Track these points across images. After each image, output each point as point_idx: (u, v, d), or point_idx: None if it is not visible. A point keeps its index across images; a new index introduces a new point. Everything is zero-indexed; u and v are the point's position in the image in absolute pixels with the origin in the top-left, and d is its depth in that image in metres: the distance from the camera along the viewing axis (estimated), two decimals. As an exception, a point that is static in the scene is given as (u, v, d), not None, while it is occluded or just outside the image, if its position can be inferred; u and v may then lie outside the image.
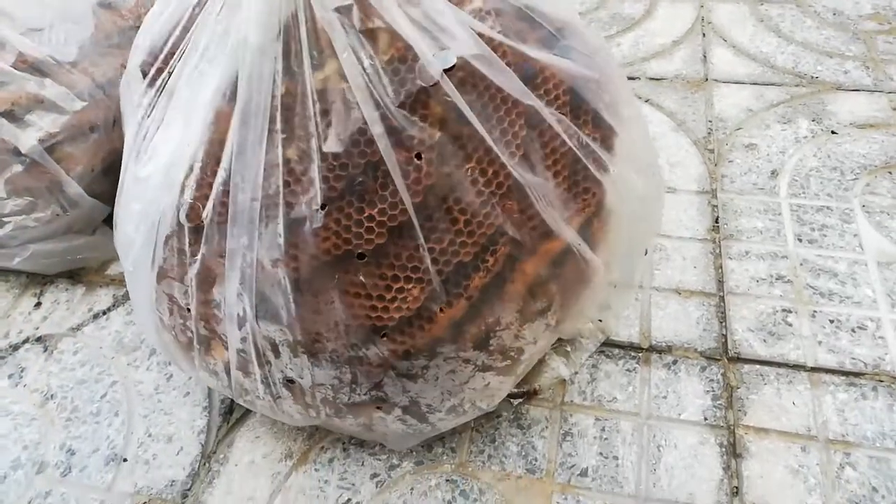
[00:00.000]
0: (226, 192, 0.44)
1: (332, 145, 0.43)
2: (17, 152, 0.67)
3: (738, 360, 0.64)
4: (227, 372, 0.51)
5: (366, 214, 0.44)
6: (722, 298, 0.69)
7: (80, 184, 0.71)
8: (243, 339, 0.48)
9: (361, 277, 0.45)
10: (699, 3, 1.12)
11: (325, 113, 0.43)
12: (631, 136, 0.53)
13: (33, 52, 0.67)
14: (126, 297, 0.75)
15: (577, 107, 0.50)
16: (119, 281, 0.77)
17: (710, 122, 0.90)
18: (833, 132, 0.86)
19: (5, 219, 0.69)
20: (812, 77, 0.95)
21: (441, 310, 0.46)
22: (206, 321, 0.49)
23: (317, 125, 0.43)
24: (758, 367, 0.63)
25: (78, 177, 0.70)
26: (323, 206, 0.43)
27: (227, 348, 0.50)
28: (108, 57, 0.71)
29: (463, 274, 0.46)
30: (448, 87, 0.42)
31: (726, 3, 1.12)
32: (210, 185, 0.45)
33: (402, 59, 0.42)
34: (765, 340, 0.65)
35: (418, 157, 0.42)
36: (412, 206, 0.43)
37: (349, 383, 0.50)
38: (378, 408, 0.52)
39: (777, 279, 0.70)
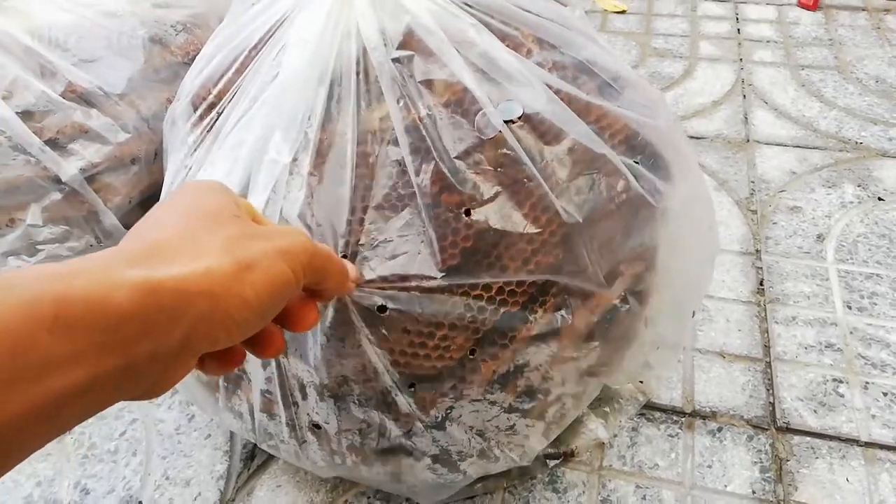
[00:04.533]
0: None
1: (366, 194, 0.41)
2: (57, 180, 0.67)
3: (788, 430, 0.60)
4: (252, 414, 0.49)
5: (389, 286, 0.42)
6: (769, 364, 0.66)
7: (117, 215, 0.70)
8: (268, 379, 0.46)
9: (384, 331, 0.43)
10: (739, 65, 1.12)
11: (363, 161, 0.42)
12: (688, 192, 0.52)
13: (83, 82, 0.67)
14: (152, 331, 0.74)
15: (634, 153, 0.49)
16: (146, 315, 0.76)
17: (753, 182, 0.88)
18: (880, 198, 0.84)
19: (39, 247, 0.69)
20: (856, 143, 0.93)
21: (486, 363, 0.44)
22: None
23: (351, 171, 0.42)
24: (808, 438, 0.59)
25: (115, 208, 0.70)
26: (343, 256, 0.41)
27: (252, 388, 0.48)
28: (154, 91, 0.72)
29: (510, 325, 0.44)
30: (510, 137, 0.41)
31: (767, 66, 1.11)
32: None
33: (461, 109, 0.41)
34: (815, 411, 0.61)
35: (467, 213, 0.41)
36: (460, 251, 0.42)
37: (377, 430, 0.47)
38: (408, 454, 0.49)
39: (826, 347, 0.67)
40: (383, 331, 0.43)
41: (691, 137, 0.97)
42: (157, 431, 0.64)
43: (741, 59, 1.14)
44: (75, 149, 0.67)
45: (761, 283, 0.74)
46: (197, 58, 0.54)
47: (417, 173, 0.41)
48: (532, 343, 0.45)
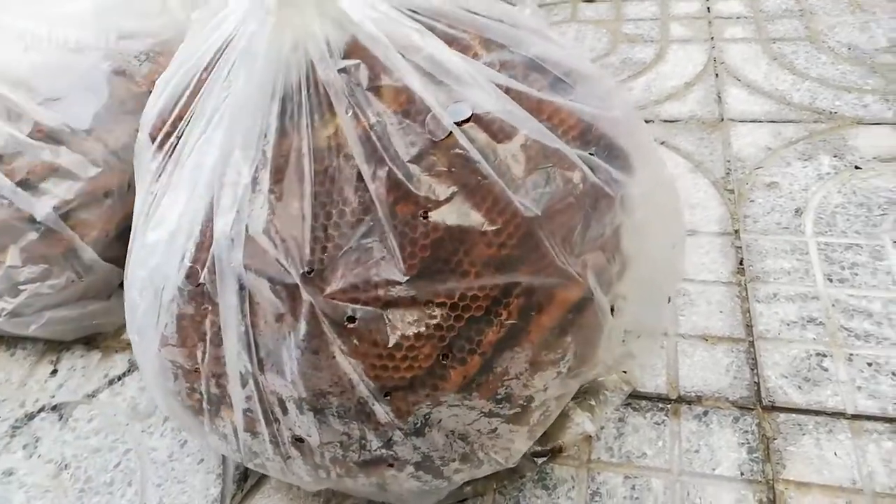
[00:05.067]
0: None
1: (326, 205, 0.42)
2: (31, 220, 0.67)
3: (773, 408, 0.60)
4: (236, 434, 0.50)
5: (360, 293, 0.42)
6: (752, 344, 0.66)
7: (95, 249, 0.71)
8: (248, 398, 0.46)
9: (355, 341, 0.43)
10: (710, 44, 1.12)
11: (319, 173, 0.42)
12: (650, 179, 0.52)
13: (49, 121, 0.68)
14: (141, 361, 0.75)
15: (588, 148, 0.49)
16: (134, 345, 0.77)
17: (729, 161, 0.88)
18: (857, 167, 0.84)
19: (21, 286, 0.69)
20: (831, 112, 0.93)
21: (454, 368, 0.44)
22: (216, 382, 0.48)
23: (310, 186, 0.42)
24: (794, 415, 0.60)
25: (93, 242, 0.71)
26: (309, 272, 0.41)
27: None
28: (122, 123, 0.72)
29: (475, 329, 0.45)
30: (462, 138, 0.41)
31: (738, 43, 1.11)
32: (208, 248, 0.44)
33: (410, 113, 0.42)
34: (800, 387, 0.61)
35: (424, 215, 0.41)
36: (420, 260, 0.42)
37: (358, 440, 0.48)
38: (390, 465, 0.49)
39: (809, 322, 0.67)
40: (354, 341, 0.43)
41: (665, 121, 0.97)
42: (150, 460, 0.64)
43: (712, 38, 1.14)
44: (47, 188, 0.67)
45: (741, 263, 0.74)
46: (155, 84, 0.54)
47: (373, 180, 0.41)
48: (501, 346, 0.45)
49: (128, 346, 0.77)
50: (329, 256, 0.42)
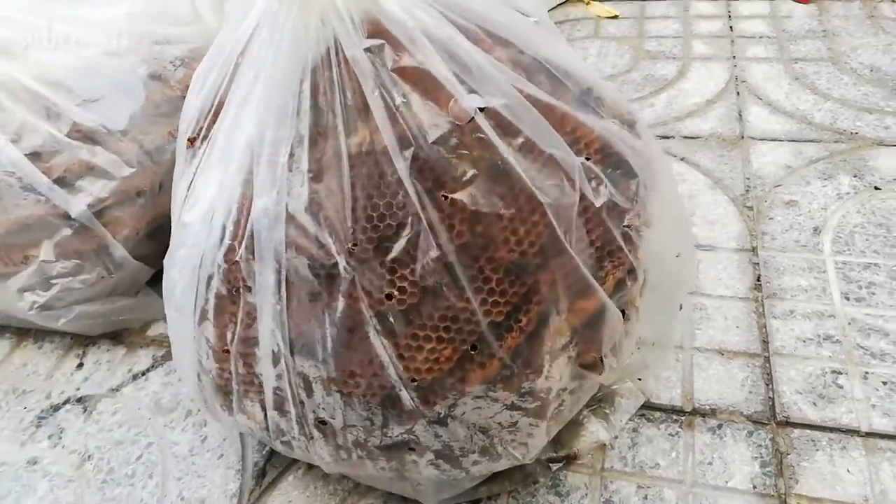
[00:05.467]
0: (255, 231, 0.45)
1: (360, 185, 0.43)
2: (66, 217, 0.69)
3: (788, 424, 0.61)
4: (265, 413, 0.51)
5: (398, 275, 0.44)
6: (767, 359, 0.66)
7: (126, 247, 0.73)
8: (279, 377, 0.47)
9: (396, 327, 0.44)
10: (732, 63, 1.13)
11: (356, 153, 0.43)
12: (662, 192, 0.53)
13: (87, 121, 0.70)
14: (165, 357, 0.76)
15: (608, 163, 0.50)
16: (159, 342, 0.79)
17: (748, 179, 0.89)
18: (876, 188, 0.84)
19: (53, 281, 0.71)
20: (851, 133, 0.93)
21: (474, 371, 0.46)
22: (245, 361, 0.49)
23: (345, 165, 0.43)
24: (808, 431, 0.60)
25: (124, 240, 0.73)
26: (354, 245, 0.42)
27: (263, 388, 0.50)
28: (156, 126, 0.74)
29: (496, 334, 0.46)
30: (483, 124, 0.42)
31: (760, 62, 1.12)
32: (245, 226, 0.45)
33: (432, 95, 0.43)
34: (815, 403, 0.62)
35: (445, 197, 0.42)
36: (444, 265, 0.43)
37: (380, 426, 0.49)
38: (411, 449, 0.50)
39: (825, 339, 0.68)
40: (390, 319, 0.44)
41: (685, 138, 0.98)
42: (172, 454, 0.66)
43: (734, 57, 1.15)
44: (83, 185, 0.70)
45: (758, 279, 0.75)
46: (193, 78, 0.56)
47: (401, 160, 0.42)
48: (519, 351, 0.46)
49: (152, 342, 0.79)
50: (367, 235, 0.43)
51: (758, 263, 0.77)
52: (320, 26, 0.43)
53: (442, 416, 0.47)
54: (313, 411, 0.48)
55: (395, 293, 0.44)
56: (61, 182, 0.69)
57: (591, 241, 0.48)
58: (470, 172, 0.43)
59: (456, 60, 0.44)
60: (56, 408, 0.73)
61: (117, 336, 0.80)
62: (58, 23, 0.76)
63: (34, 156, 0.68)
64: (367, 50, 0.43)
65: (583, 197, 0.47)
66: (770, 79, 1.08)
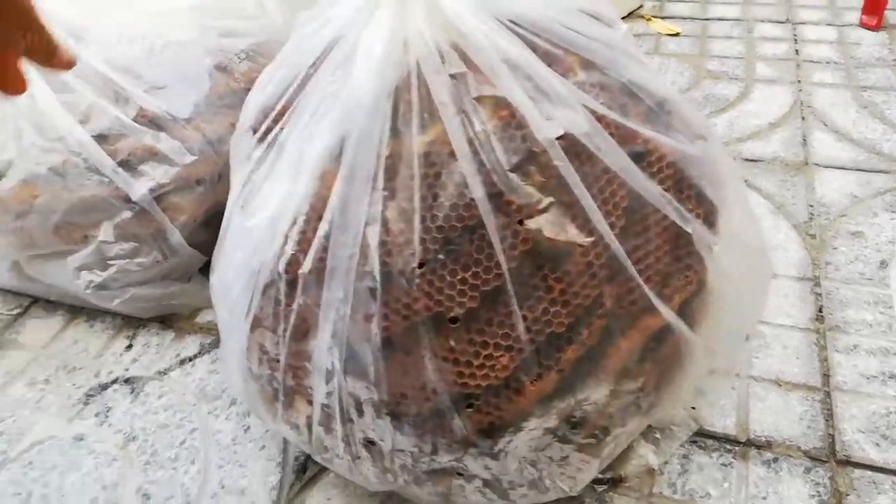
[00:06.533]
0: (326, 246, 0.45)
1: (433, 206, 0.43)
2: (127, 199, 0.70)
3: (848, 463, 0.58)
4: (309, 427, 0.51)
5: (459, 277, 0.43)
6: (828, 394, 0.64)
7: (182, 233, 0.74)
8: (329, 394, 0.47)
9: (452, 342, 0.44)
10: (797, 87, 1.10)
11: (428, 175, 0.43)
12: (735, 217, 0.51)
13: (153, 107, 0.71)
14: (212, 345, 0.77)
15: (680, 183, 0.49)
16: (207, 329, 0.79)
17: (812, 206, 0.86)
18: (949, 224, 0.81)
19: (110, 262, 0.73)
20: (923, 166, 0.90)
21: (531, 382, 0.45)
22: (295, 373, 0.49)
23: (419, 186, 0.43)
24: (870, 473, 0.57)
25: (181, 226, 0.74)
26: (420, 266, 0.43)
27: (311, 402, 0.49)
28: (219, 116, 0.75)
29: (555, 345, 0.45)
30: (557, 153, 0.42)
31: (826, 88, 1.09)
32: (311, 239, 0.45)
33: (515, 125, 0.42)
34: (878, 444, 0.59)
35: (520, 222, 0.42)
36: (508, 270, 0.43)
37: (429, 453, 0.48)
38: (459, 474, 0.49)
39: (890, 378, 0.65)
40: (451, 342, 0.44)
41: (747, 160, 0.95)
42: (215, 441, 0.66)
43: (799, 81, 1.12)
44: (145, 170, 0.71)
45: (820, 311, 0.72)
46: (259, 78, 0.56)
47: (475, 186, 0.42)
48: (579, 367, 0.45)
49: (200, 329, 0.80)
50: (434, 256, 0.42)
51: (820, 294, 0.74)
52: (405, 50, 0.43)
53: (495, 452, 0.46)
54: (362, 431, 0.48)
55: (456, 296, 0.43)
56: (125, 165, 0.70)
57: (658, 257, 0.47)
58: (546, 201, 0.42)
59: (536, 88, 0.44)
60: (104, 386, 0.74)
61: (167, 320, 0.81)
62: (124, 11, 0.78)
63: (100, 138, 0.70)
64: (452, 76, 0.43)
65: (652, 210, 0.46)
66: (837, 105, 1.05)
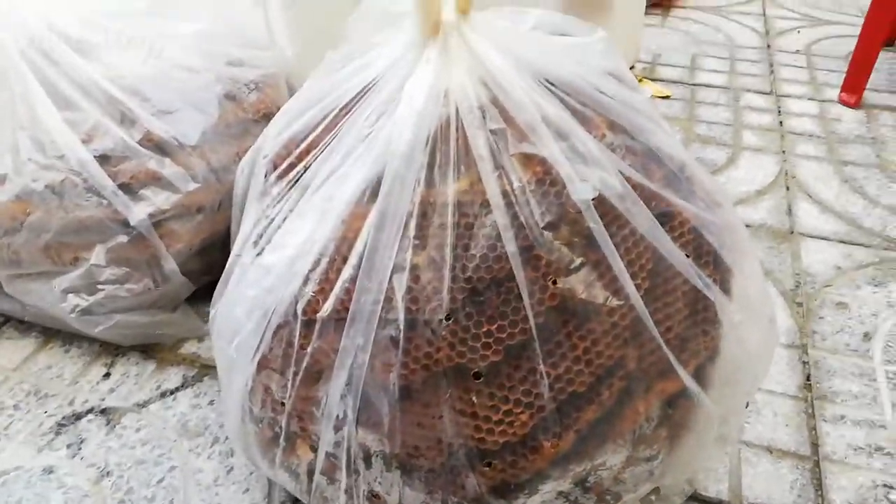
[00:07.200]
0: (349, 290, 0.44)
1: (463, 257, 0.42)
2: (125, 223, 0.68)
3: (840, 535, 0.58)
4: (310, 474, 0.49)
5: (484, 329, 0.43)
6: (817, 463, 0.65)
7: (177, 261, 0.72)
8: (337, 444, 0.46)
9: (472, 396, 0.43)
10: (782, 157, 1.14)
11: (460, 224, 0.43)
12: (748, 284, 0.52)
13: (160, 132, 0.70)
14: (195, 378, 0.74)
15: (700, 248, 0.49)
16: (191, 361, 0.77)
17: (798, 275, 0.88)
18: (927, 301, 0.83)
19: (100, 286, 0.70)
20: (902, 243, 0.93)
21: (549, 442, 0.44)
22: (300, 418, 0.47)
23: (450, 235, 0.43)
24: (861, 546, 0.58)
25: (176, 253, 0.72)
26: (448, 317, 0.42)
27: (315, 449, 0.48)
28: (226, 145, 0.74)
29: (575, 405, 0.44)
30: (592, 215, 0.42)
31: (809, 160, 1.13)
32: (333, 281, 0.44)
33: (550, 182, 0.43)
34: (867, 517, 0.60)
35: (554, 282, 0.42)
36: (535, 326, 0.42)
37: (440, 506, 0.47)
38: None
39: (876, 450, 0.66)
40: (472, 396, 0.43)
41: (736, 225, 0.98)
42: (195, 481, 0.63)
43: (784, 152, 1.16)
44: (146, 195, 0.69)
45: (808, 378, 0.73)
46: (281, 112, 0.56)
47: (508, 239, 0.42)
48: (595, 427, 0.45)
49: (184, 360, 0.77)
50: (461, 307, 0.42)
51: (807, 362, 0.76)
52: (445, 101, 0.44)
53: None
54: (368, 483, 0.46)
55: (480, 349, 0.43)
56: (126, 188, 0.68)
57: (679, 320, 0.47)
58: (578, 261, 0.42)
59: (571, 148, 0.44)
60: (78, 416, 0.70)
61: (148, 349, 0.78)
62: (133, 30, 0.77)
63: (103, 158, 0.68)
64: (492, 132, 0.43)
65: (673, 274, 0.46)
66: (820, 178, 1.09)
